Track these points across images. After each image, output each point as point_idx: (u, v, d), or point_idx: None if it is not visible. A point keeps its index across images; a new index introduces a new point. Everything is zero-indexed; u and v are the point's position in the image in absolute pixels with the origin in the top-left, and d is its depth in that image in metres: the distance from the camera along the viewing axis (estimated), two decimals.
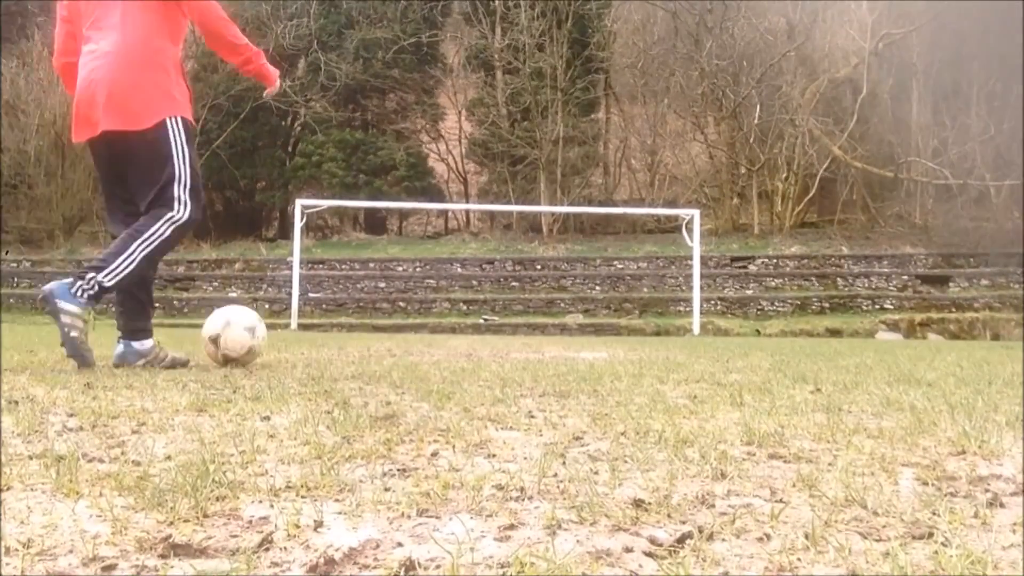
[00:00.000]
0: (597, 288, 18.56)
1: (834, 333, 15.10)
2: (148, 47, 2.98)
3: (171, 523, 0.90)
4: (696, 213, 15.34)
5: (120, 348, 3.18)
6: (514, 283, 18.98)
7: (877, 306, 17.06)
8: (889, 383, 2.78)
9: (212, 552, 0.81)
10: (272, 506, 0.98)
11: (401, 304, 17.60)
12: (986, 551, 0.81)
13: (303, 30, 23.41)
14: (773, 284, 18.43)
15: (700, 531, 0.88)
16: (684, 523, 0.93)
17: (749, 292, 18.06)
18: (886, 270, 18.69)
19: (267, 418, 1.74)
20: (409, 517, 0.94)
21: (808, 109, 21.53)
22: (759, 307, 17.29)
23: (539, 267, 19.56)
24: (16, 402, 1.93)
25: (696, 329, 14.25)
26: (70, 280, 2.88)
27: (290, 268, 15.82)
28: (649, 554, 0.82)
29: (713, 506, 1.01)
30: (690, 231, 15.03)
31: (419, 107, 25.75)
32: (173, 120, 3.02)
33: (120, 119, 2.94)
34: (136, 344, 3.18)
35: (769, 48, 22.38)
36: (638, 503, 1.00)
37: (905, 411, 1.95)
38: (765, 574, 0.77)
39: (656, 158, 24.29)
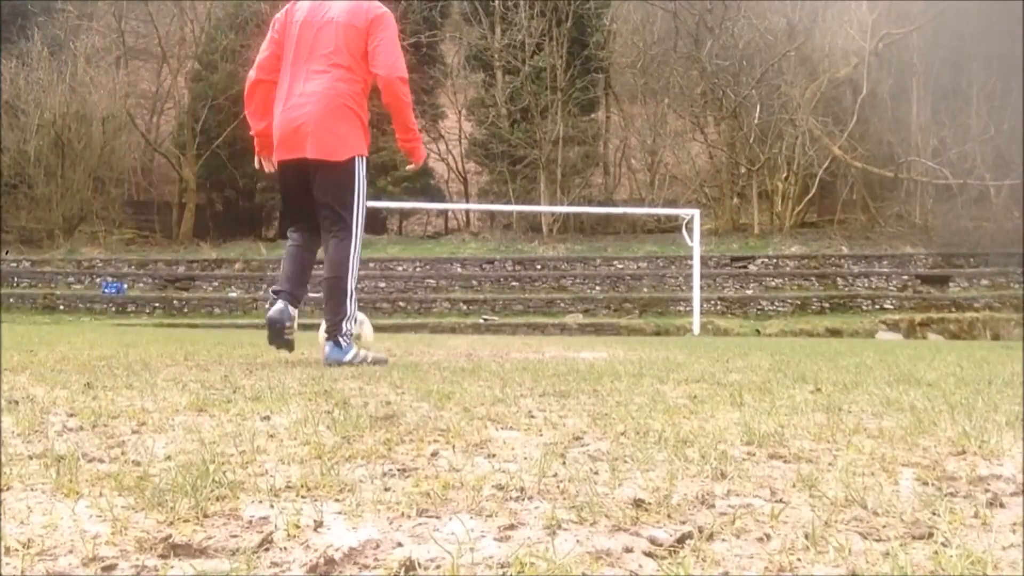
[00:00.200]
0: (597, 288, 18.57)
1: (834, 333, 15.10)
2: (349, 99, 3.60)
3: (171, 523, 0.90)
4: (696, 213, 15.33)
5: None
6: (514, 283, 18.98)
7: (877, 306, 17.07)
8: (889, 383, 2.78)
9: (212, 552, 0.81)
10: (272, 506, 0.98)
11: (401, 304, 17.61)
12: (986, 551, 0.81)
13: None
14: (773, 284, 18.43)
15: (700, 531, 0.88)
16: (684, 523, 0.93)
17: (749, 292, 18.07)
18: (886, 270, 18.70)
19: (267, 418, 1.74)
20: (409, 517, 0.94)
21: (808, 109, 21.53)
22: (759, 307, 17.30)
23: (539, 267, 19.57)
24: (16, 402, 1.93)
25: (696, 329, 14.25)
26: (330, 344, 3.59)
27: None
28: (649, 554, 0.82)
29: (713, 506, 1.01)
30: (690, 231, 15.03)
31: (419, 107, 25.75)
32: (360, 159, 3.65)
33: (324, 151, 3.55)
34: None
35: (769, 48, 22.39)
36: (638, 503, 1.00)
37: (905, 411, 1.95)
38: (765, 574, 0.77)
39: (656, 158, 24.30)
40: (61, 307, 17.70)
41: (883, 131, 22.23)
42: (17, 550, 0.80)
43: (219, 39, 24.02)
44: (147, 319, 17.13)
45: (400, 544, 0.84)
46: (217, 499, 1.00)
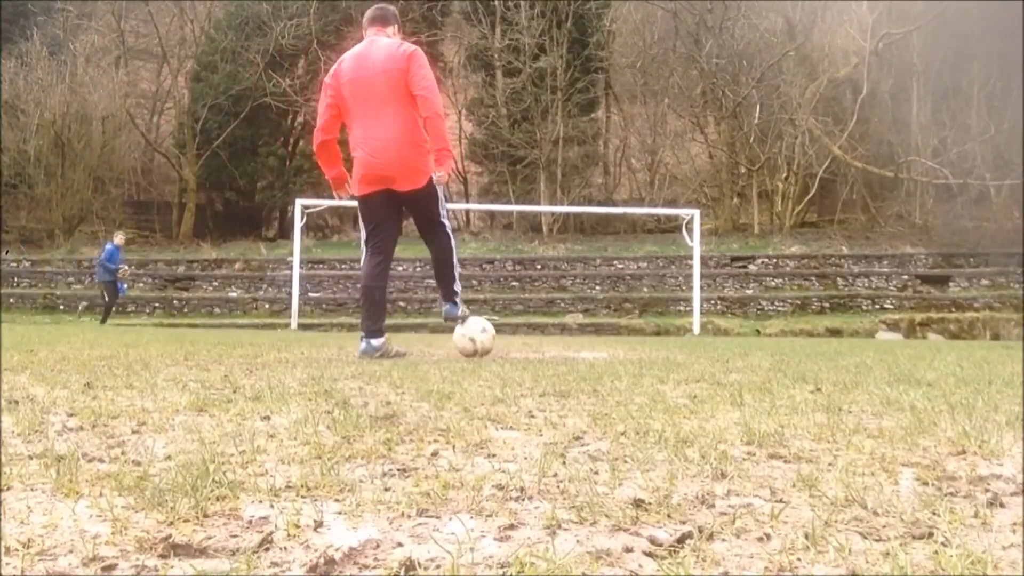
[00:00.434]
0: (597, 288, 18.57)
1: (834, 333, 15.10)
2: (415, 133, 4.38)
3: (171, 523, 0.90)
4: (696, 213, 15.33)
5: (363, 345, 4.36)
6: (514, 283, 18.98)
7: (877, 306, 17.07)
8: (889, 383, 2.78)
9: (212, 552, 0.81)
10: (272, 506, 0.98)
11: (401, 304, 17.60)
12: (986, 551, 0.81)
13: (303, 30, 23.40)
14: (773, 284, 18.43)
15: (700, 531, 0.88)
16: (684, 523, 0.92)
17: (749, 292, 18.07)
18: (886, 270, 18.70)
19: (267, 418, 1.74)
20: (409, 517, 0.94)
21: (808, 109, 21.53)
22: (759, 307, 17.30)
23: (539, 267, 19.56)
24: (16, 402, 1.93)
25: (696, 329, 14.25)
26: (448, 304, 4.68)
27: (290, 268, 15.83)
28: (649, 554, 0.82)
29: (713, 506, 1.01)
30: (690, 231, 15.03)
31: None
32: (434, 175, 4.46)
33: (409, 182, 4.41)
34: (374, 341, 4.36)
35: (769, 48, 22.39)
36: (638, 503, 1.00)
37: (905, 411, 1.95)
38: (765, 574, 0.77)
39: (656, 158, 24.30)
40: (61, 307, 17.70)
41: (883, 131, 22.23)
42: (17, 550, 0.80)
43: (219, 39, 24.01)
44: (147, 319, 17.13)
45: (400, 544, 0.84)
46: (217, 499, 1.00)
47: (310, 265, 18.64)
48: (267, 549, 0.82)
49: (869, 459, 1.33)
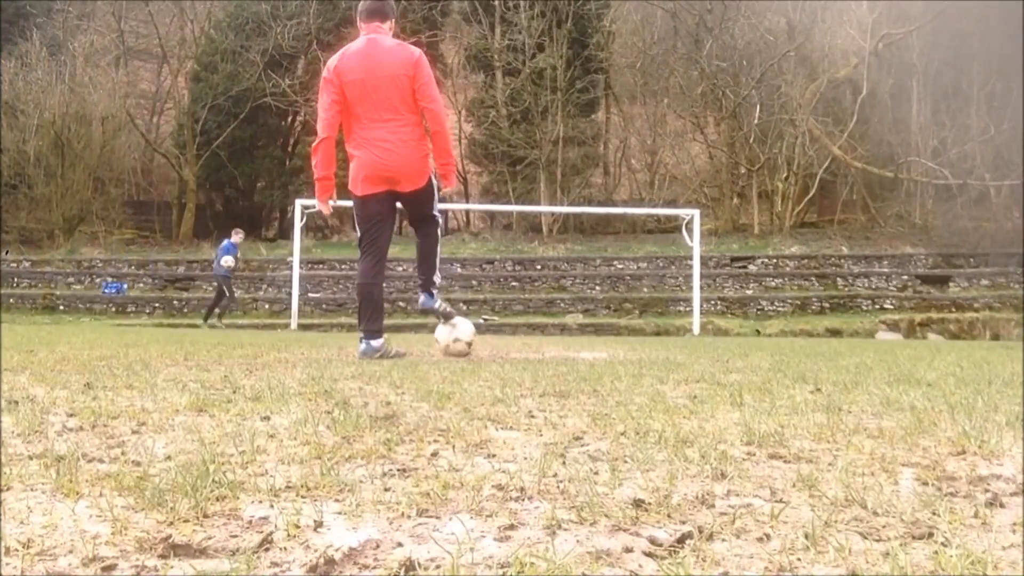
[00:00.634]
0: (597, 288, 18.56)
1: (834, 333, 15.10)
2: (420, 136, 4.50)
3: (171, 523, 0.90)
4: (696, 213, 15.33)
5: (363, 346, 4.41)
6: (514, 283, 18.97)
7: (877, 306, 17.06)
8: (889, 383, 2.78)
9: (212, 552, 0.81)
10: (272, 506, 0.98)
11: (401, 304, 17.59)
12: (986, 551, 0.81)
13: (303, 30, 23.40)
14: (773, 284, 18.43)
15: (700, 531, 0.88)
16: (684, 523, 0.92)
17: (749, 292, 18.07)
18: (886, 270, 18.70)
19: (267, 418, 1.74)
20: (409, 517, 0.94)
21: (808, 109, 21.53)
22: (759, 307, 17.29)
23: (539, 267, 19.56)
24: (16, 402, 1.93)
25: (696, 329, 14.25)
26: (425, 294, 4.79)
27: (290, 268, 15.83)
28: (649, 554, 0.82)
29: (713, 506, 1.01)
30: (690, 231, 15.03)
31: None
32: (432, 176, 4.66)
33: (413, 183, 4.52)
34: (374, 342, 4.41)
35: (769, 48, 22.38)
36: (638, 503, 1.00)
37: (905, 411, 1.95)
38: (765, 574, 0.77)
39: (656, 158, 24.30)
40: (61, 307, 17.70)
41: (883, 131, 22.23)
42: (17, 550, 0.80)
43: (219, 40, 24.01)
44: (147, 319, 17.12)
45: (400, 544, 0.84)
46: (217, 499, 1.00)
47: (310, 265, 18.64)
48: (267, 549, 0.82)
49: (869, 459, 1.33)
